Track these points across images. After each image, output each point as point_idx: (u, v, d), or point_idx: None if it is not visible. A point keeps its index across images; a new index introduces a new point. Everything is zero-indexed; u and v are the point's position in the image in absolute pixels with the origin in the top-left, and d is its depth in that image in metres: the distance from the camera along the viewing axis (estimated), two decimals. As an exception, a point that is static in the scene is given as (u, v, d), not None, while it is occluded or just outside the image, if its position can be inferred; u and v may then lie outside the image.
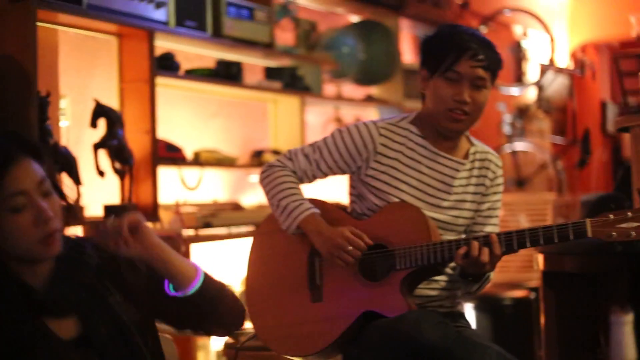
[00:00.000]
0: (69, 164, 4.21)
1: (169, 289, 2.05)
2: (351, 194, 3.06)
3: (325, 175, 3.02)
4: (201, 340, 4.92)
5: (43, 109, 4.06)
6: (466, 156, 3.00)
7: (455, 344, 2.61)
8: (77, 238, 2.02)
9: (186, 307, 2.06)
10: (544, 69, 7.43)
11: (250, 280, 3.10)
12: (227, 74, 5.18)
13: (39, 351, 1.82)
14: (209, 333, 2.27)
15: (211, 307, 2.09)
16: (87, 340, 1.90)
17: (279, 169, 3.00)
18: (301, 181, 3.01)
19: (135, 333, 1.96)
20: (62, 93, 4.45)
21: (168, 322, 2.16)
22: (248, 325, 3.71)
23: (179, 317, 2.11)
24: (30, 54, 3.92)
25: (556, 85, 8.13)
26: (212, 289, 2.11)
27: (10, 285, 1.83)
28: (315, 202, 3.00)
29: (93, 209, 4.53)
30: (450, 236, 2.92)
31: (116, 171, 4.52)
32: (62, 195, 1.94)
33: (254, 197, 5.69)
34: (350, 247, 2.83)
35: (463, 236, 2.94)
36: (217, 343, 4.96)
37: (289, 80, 5.67)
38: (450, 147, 2.97)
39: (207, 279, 2.10)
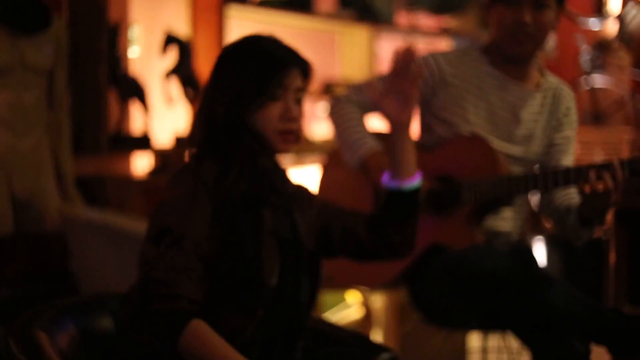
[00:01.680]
0: (138, 92, 4.26)
1: (387, 179, 2.19)
2: (420, 126, 3.02)
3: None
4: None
5: (114, 37, 4.10)
6: (537, 87, 2.95)
7: (521, 278, 2.60)
8: None
9: (388, 209, 2.20)
10: (625, 1, 7.24)
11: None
12: (299, 3, 5.15)
13: (245, 220, 2.03)
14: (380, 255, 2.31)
15: (408, 219, 2.22)
16: (275, 234, 2.08)
17: (346, 104, 2.98)
18: (369, 115, 3.00)
19: (305, 252, 2.13)
20: (133, 21, 4.47)
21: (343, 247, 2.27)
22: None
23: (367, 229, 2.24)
24: (101, -18, 3.96)
25: (638, 18, 7.93)
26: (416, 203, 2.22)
27: (242, 158, 2.05)
28: (381, 136, 2.98)
29: (162, 137, 4.57)
30: (520, 169, 2.89)
31: (187, 98, 4.56)
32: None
33: (323, 126, 5.70)
34: None
35: (533, 171, 2.91)
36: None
37: (360, 11, 5.62)
38: (520, 75, 2.93)
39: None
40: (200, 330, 1.90)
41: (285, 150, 2.11)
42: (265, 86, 2.04)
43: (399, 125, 2.15)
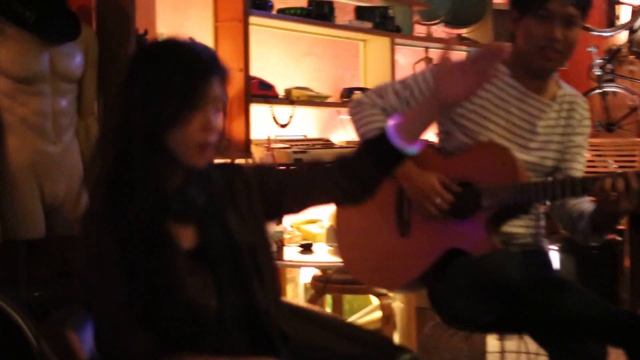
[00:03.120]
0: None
1: (394, 132, 2.18)
2: (440, 131, 3.08)
3: (414, 112, 3.04)
4: (290, 273, 5.04)
5: (141, 46, 4.15)
6: (554, 99, 3.00)
7: (538, 284, 2.63)
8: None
9: (377, 154, 2.22)
10: (636, 12, 7.28)
11: (338, 215, 3.17)
12: (319, 13, 5.21)
13: (161, 252, 1.96)
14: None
15: (386, 172, 2.26)
16: (201, 252, 2.03)
17: (369, 107, 3.03)
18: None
19: (245, 254, 2.07)
20: (158, 31, 4.54)
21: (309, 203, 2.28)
22: (336, 259, 3.80)
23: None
24: (129, -8, 4.03)
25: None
26: None
27: (148, 184, 1.96)
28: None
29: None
30: (536, 177, 2.94)
31: (210, 108, 4.61)
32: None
33: (344, 134, 5.75)
34: (438, 200, 2.88)
35: (549, 179, 2.96)
36: (305, 276, 5.07)
37: (379, 20, 5.68)
38: (539, 87, 2.98)
39: None
40: None
41: (202, 165, 2.02)
42: (189, 98, 1.94)
43: (444, 101, 2.16)
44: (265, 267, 2.12)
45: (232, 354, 2.00)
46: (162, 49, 2.02)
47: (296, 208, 2.28)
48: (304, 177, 2.23)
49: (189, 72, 1.95)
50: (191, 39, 2.05)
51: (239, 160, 4.70)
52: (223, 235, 2.05)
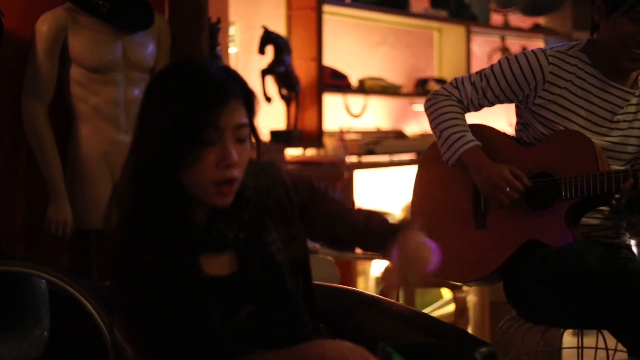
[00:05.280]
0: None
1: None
2: (517, 122, 3.02)
3: (491, 103, 2.99)
4: (361, 266, 5.00)
5: (213, 35, 4.16)
6: (635, 83, 2.92)
7: (620, 276, 2.58)
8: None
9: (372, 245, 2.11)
10: None
11: (415, 207, 3.13)
12: (394, 1, 5.17)
13: (188, 287, 1.84)
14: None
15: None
16: (240, 277, 1.93)
17: (444, 98, 2.98)
18: (467, 110, 2.99)
19: (287, 274, 1.96)
20: (231, 20, 4.54)
21: (325, 243, 2.19)
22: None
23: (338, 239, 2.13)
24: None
25: None
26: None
27: (175, 221, 1.82)
28: (480, 129, 2.98)
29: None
30: (617, 166, 2.87)
31: (282, 97, 4.60)
32: (258, 147, 1.90)
33: (417, 125, 5.70)
34: (508, 189, 2.82)
35: (631, 167, 2.88)
36: (376, 268, 5.03)
37: (454, 9, 5.62)
38: (621, 76, 2.90)
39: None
40: None
41: (222, 205, 1.82)
42: (199, 132, 1.73)
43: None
44: (305, 280, 2.03)
45: None
46: (171, 74, 1.83)
47: (315, 239, 2.16)
48: (337, 224, 2.09)
49: (198, 102, 1.74)
50: (207, 61, 1.89)
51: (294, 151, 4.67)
52: (262, 258, 1.94)
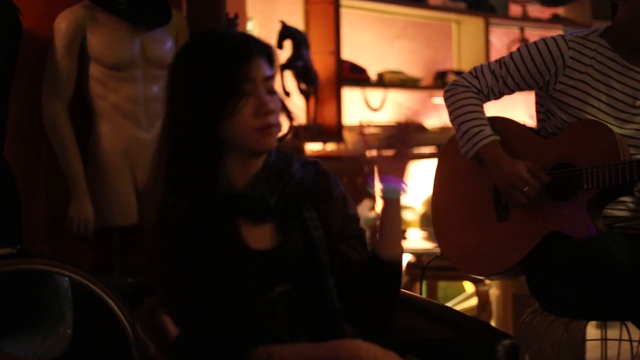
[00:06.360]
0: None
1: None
2: (538, 112, 3.01)
3: (512, 91, 2.97)
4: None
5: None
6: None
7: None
8: (288, 154, 2.06)
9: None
10: None
11: (435, 200, 3.11)
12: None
13: (229, 253, 1.92)
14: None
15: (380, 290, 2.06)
16: (278, 253, 1.97)
17: (464, 90, 2.97)
18: (487, 99, 2.98)
19: (321, 251, 2.00)
20: (249, 15, 4.53)
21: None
22: (433, 244, 3.74)
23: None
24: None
25: None
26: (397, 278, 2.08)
27: (216, 183, 1.93)
28: (499, 121, 2.97)
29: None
30: (639, 155, 2.84)
31: (301, 92, 4.59)
32: (285, 97, 2.03)
33: (437, 118, 5.68)
34: (526, 188, 2.80)
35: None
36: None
37: (473, 1, 5.60)
38: None
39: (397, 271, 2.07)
40: (262, 354, 1.88)
41: (269, 147, 1.94)
42: (233, 85, 1.88)
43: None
44: (342, 267, 2.04)
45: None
46: (196, 44, 1.98)
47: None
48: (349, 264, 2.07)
49: (227, 59, 1.89)
50: (226, 27, 2.01)
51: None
52: (300, 231, 1.99)
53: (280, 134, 1.99)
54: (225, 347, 1.89)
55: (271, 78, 1.94)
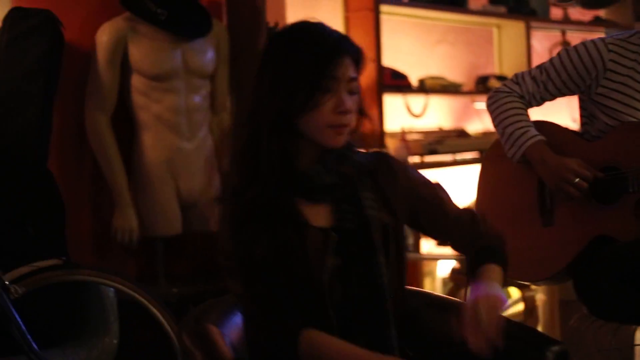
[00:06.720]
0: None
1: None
2: (582, 116, 2.98)
3: (553, 97, 2.96)
4: (427, 267, 4.98)
5: (272, 33, 4.16)
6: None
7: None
8: (350, 140, 2.09)
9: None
10: None
11: (479, 206, 3.10)
12: (452, -1, 5.14)
13: (289, 229, 1.97)
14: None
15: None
16: (335, 231, 2.01)
17: (505, 95, 2.96)
18: (529, 105, 2.96)
19: (375, 230, 2.03)
20: (288, 23, 4.54)
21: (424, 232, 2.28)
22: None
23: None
24: (259, -15, 4.04)
25: None
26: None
27: (274, 166, 1.97)
28: (543, 126, 2.95)
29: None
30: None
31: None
32: (361, 105, 2.06)
33: (479, 123, 5.65)
34: (576, 180, 2.78)
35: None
36: (443, 269, 4.99)
37: (513, 4, 5.56)
38: None
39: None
40: (311, 337, 1.92)
41: (337, 144, 1.99)
42: (319, 80, 1.93)
43: None
44: (395, 251, 2.08)
45: (350, 332, 1.99)
46: (290, 34, 2.02)
47: (424, 231, 2.27)
48: (442, 220, 2.18)
49: (317, 54, 1.94)
50: (321, 23, 2.03)
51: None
52: (355, 211, 2.04)
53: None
54: (279, 321, 1.93)
55: (354, 80, 1.99)
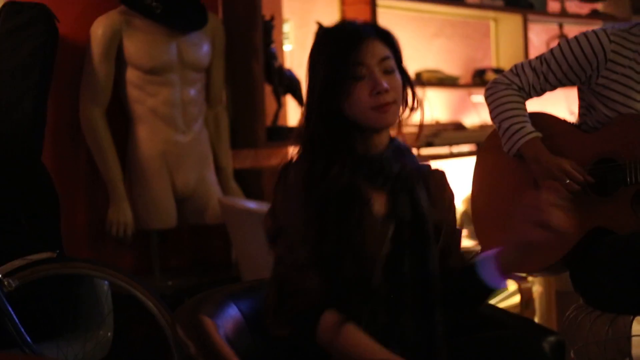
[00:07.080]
0: (293, 86, 4.31)
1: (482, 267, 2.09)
2: (580, 106, 2.97)
3: (553, 87, 2.94)
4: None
5: (268, 32, 4.15)
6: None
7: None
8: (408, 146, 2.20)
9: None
10: None
11: (475, 197, 3.10)
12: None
13: (354, 209, 2.02)
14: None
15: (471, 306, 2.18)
16: (390, 218, 2.07)
17: (504, 87, 2.94)
18: (529, 96, 2.95)
19: (429, 221, 2.10)
20: (285, 17, 4.53)
21: None
22: (474, 242, 3.71)
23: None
24: (254, -22, 4.02)
25: None
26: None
27: (345, 150, 2.05)
28: (540, 117, 2.94)
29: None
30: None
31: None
32: (406, 78, 2.13)
33: (476, 116, 5.64)
34: (567, 181, 2.77)
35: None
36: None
37: (512, -3, 5.56)
38: None
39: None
40: (333, 320, 1.94)
41: (386, 123, 2.06)
42: (347, 69, 2.02)
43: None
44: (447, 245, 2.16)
45: (398, 317, 2.04)
46: (321, 31, 2.13)
47: None
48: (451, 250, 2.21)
49: (339, 45, 2.03)
50: (350, 19, 2.14)
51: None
52: (410, 204, 2.10)
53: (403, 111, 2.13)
54: (308, 292, 1.96)
55: (387, 58, 2.05)
